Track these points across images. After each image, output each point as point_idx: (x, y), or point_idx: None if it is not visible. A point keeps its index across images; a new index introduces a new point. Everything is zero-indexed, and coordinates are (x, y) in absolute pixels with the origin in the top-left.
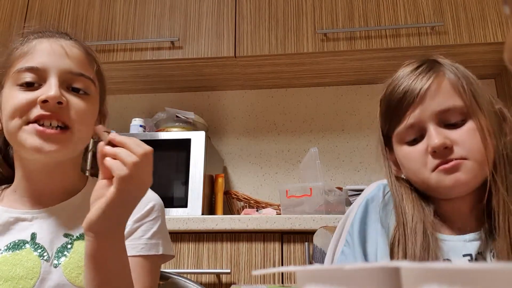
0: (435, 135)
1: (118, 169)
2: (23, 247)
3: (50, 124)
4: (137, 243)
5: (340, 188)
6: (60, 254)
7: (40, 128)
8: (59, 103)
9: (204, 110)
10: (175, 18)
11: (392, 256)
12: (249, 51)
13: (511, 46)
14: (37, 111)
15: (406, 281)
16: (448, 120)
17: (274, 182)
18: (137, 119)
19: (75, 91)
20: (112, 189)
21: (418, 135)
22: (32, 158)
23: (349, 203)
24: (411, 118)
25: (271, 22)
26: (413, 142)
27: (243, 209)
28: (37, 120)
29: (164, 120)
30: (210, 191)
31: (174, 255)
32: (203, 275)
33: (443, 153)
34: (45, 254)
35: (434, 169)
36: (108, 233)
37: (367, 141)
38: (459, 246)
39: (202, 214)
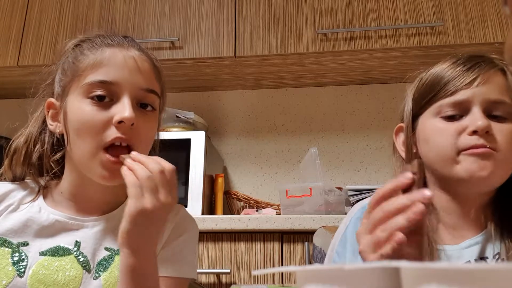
0: (481, 117)
1: (130, 181)
2: (67, 253)
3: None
4: (172, 266)
5: (340, 188)
6: (101, 266)
7: (112, 159)
8: (132, 124)
9: (204, 110)
10: (175, 18)
11: None
12: (249, 51)
13: (511, 46)
14: (112, 134)
15: (406, 281)
16: (493, 111)
17: (274, 182)
18: None
19: (142, 106)
20: (129, 203)
21: (457, 114)
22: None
23: (349, 203)
24: (462, 94)
25: (271, 22)
26: (450, 118)
27: (243, 209)
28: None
29: (164, 120)
30: (210, 191)
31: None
32: (203, 275)
33: (483, 137)
34: (87, 264)
35: (465, 149)
36: (138, 249)
37: (367, 141)
38: (455, 255)
39: (202, 214)
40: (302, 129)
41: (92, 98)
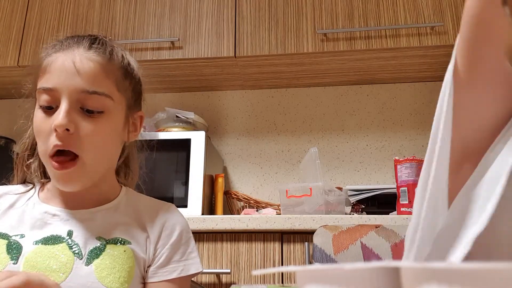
0: None
1: None
2: (60, 241)
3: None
4: (177, 265)
5: (340, 188)
6: (93, 254)
7: (56, 165)
8: (67, 129)
9: (204, 110)
10: (175, 18)
11: None
12: (249, 51)
13: (511, 46)
14: (52, 142)
15: (406, 281)
16: None
17: (274, 182)
18: None
19: (89, 111)
20: None
21: None
22: None
23: (349, 203)
24: None
25: (271, 22)
26: None
27: (243, 209)
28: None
29: (164, 120)
30: (210, 191)
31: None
32: (203, 275)
33: None
34: (79, 252)
35: None
36: None
37: (367, 141)
38: None
39: (202, 214)
40: (302, 129)
41: (41, 107)
